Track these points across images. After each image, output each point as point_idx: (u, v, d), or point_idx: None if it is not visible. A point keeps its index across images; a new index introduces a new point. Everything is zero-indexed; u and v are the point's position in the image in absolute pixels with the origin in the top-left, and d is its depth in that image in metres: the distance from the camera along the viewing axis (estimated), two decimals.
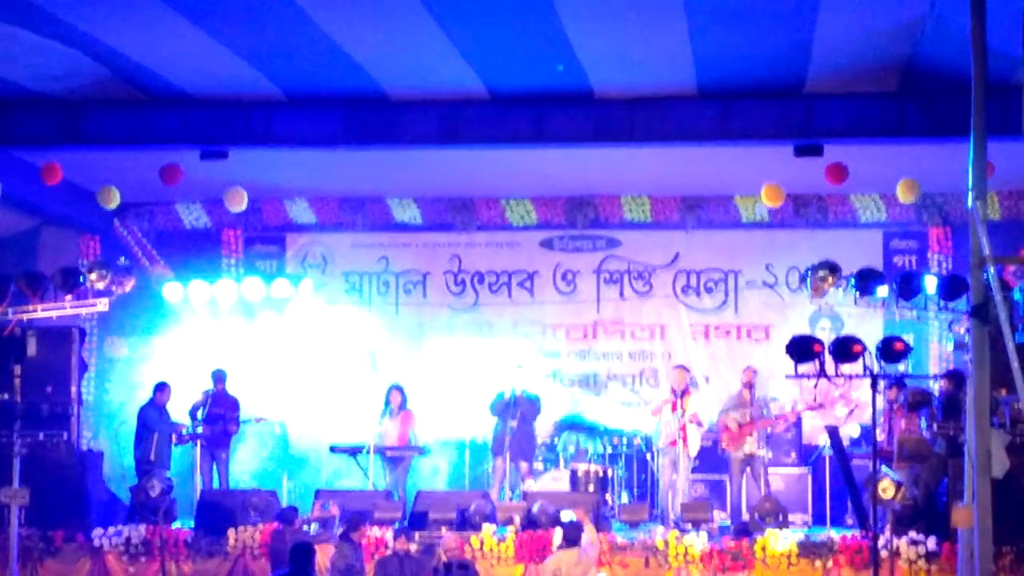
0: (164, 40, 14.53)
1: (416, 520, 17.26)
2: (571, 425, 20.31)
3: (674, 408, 18.69)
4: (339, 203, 21.38)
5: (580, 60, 14.97)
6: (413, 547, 15.64)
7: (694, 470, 18.92)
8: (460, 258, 21.96)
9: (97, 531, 17.32)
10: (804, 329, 19.67)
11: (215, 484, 19.29)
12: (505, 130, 16.51)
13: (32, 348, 16.46)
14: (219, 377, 19.80)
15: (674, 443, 18.59)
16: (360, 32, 14.23)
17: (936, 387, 17.92)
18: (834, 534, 16.80)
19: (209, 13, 13.72)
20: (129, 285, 17.97)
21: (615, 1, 13.21)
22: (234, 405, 19.80)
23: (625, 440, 19.79)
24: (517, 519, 16.90)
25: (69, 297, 17.06)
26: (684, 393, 18.82)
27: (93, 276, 17.20)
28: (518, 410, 18.97)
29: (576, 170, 19.13)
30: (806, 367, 15.70)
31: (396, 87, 16.06)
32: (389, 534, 16.33)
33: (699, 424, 18.75)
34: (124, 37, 14.58)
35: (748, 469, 18.47)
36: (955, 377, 16.70)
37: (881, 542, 15.43)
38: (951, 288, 16.78)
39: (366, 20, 13.78)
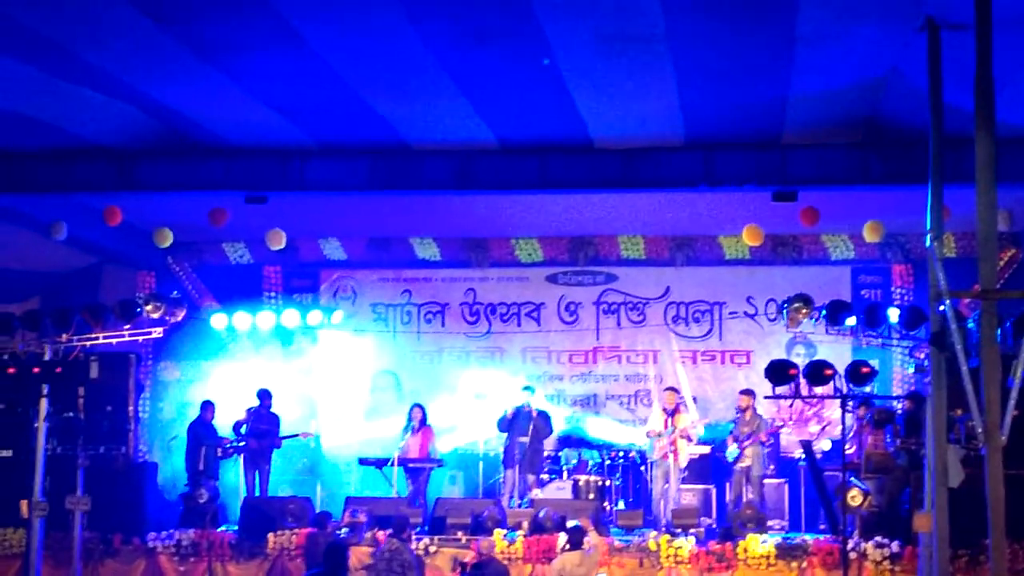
0: (210, 97, 14.54)
1: (435, 524, 17.20)
2: (573, 440, 20.27)
3: (666, 425, 18.64)
4: (367, 242, 21.35)
5: (581, 114, 14.93)
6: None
7: (683, 480, 18.83)
8: (475, 291, 21.93)
9: (151, 535, 17.28)
10: (781, 355, 19.59)
11: (257, 492, 19.20)
12: (514, 177, 16.44)
13: (94, 371, 16.45)
14: (264, 395, 19.78)
15: (666, 456, 18.53)
16: (385, 89, 14.20)
17: (899, 406, 17.82)
18: (808, 538, 16.71)
19: (250, 73, 13.71)
20: (181, 315, 17.93)
21: (613, 63, 13.17)
22: (275, 421, 19.78)
23: (621, 453, 19.71)
24: (525, 524, 16.83)
25: (127, 326, 17.02)
26: (675, 412, 18.77)
27: (149, 307, 17.18)
28: (530, 425, 18.90)
29: (577, 213, 19.10)
30: (783, 389, 15.63)
31: (416, 138, 16.02)
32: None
33: (688, 439, 18.68)
34: (174, 94, 14.59)
35: (745, 482, 18.37)
36: (916, 398, 16.60)
37: (850, 545, 15.31)
38: (912, 318, 16.71)
39: (391, 79, 13.75)
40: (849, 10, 11.58)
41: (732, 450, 18.49)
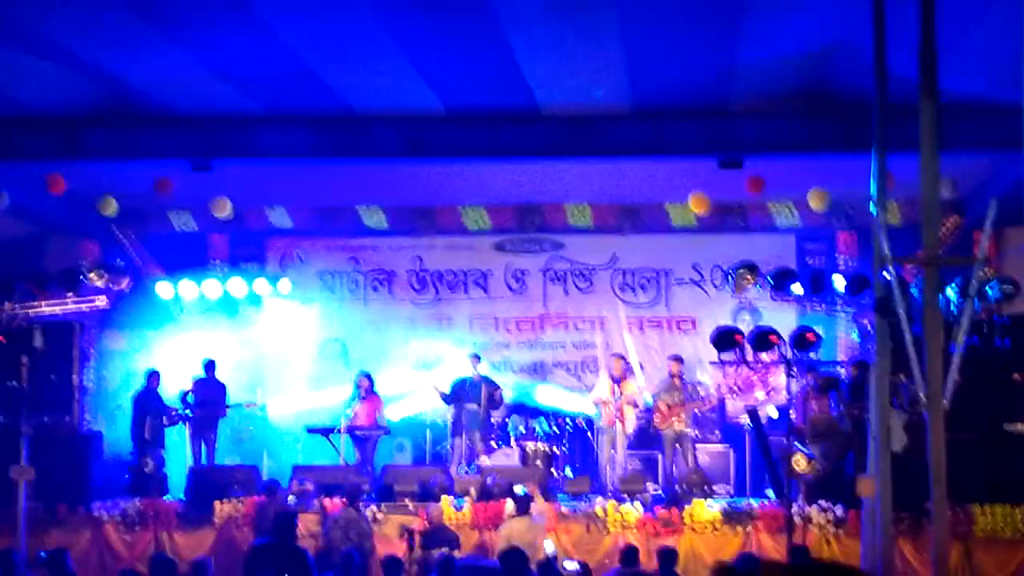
0: (156, 64, 14.45)
1: (383, 492, 17.24)
2: (520, 408, 20.35)
3: (612, 392, 18.75)
4: (314, 210, 21.26)
5: (528, 82, 14.95)
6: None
7: (630, 447, 18.96)
8: (422, 259, 21.93)
9: (97, 504, 17.23)
10: (727, 322, 19.68)
11: (203, 461, 19.18)
12: (461, 145, 16.46)
13: (38, 340, 16.35)
14: (209, 365, 19.74)
15: (612, 423, 18.64)
16: (332, 57, 14.18)
17: (843, 372, 17.99)
18: (753, 503, 16.88)
19: (197, 40, 13.65)
20: (125, 284, 17.88)
21: (561, 30, 13.19)
22: (221, 390, 19.75)
23: (569, 421, 19.80)
24: (473, 491, 16.90)
25: (71, 295, 16.94)
26: (621, 379, 18.89)
27: (93, 275, 17.11)
28: (480, 393, 18.98)
29: (525, 181, 19.10)
30: (728, 355, 15.74)
31: (363, 106, 16.00)
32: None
33: (635, 406, 18.82)
34: (121, 62, 14.49)
35: (678, 445, 18.52)
36: (860, 364, 16.81)
37: (795, 510, 15.48)
38: (857, 285, 16.89)
39: (338, 46, 13.72)
40: None
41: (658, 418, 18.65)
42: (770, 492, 16.86)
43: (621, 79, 14.90)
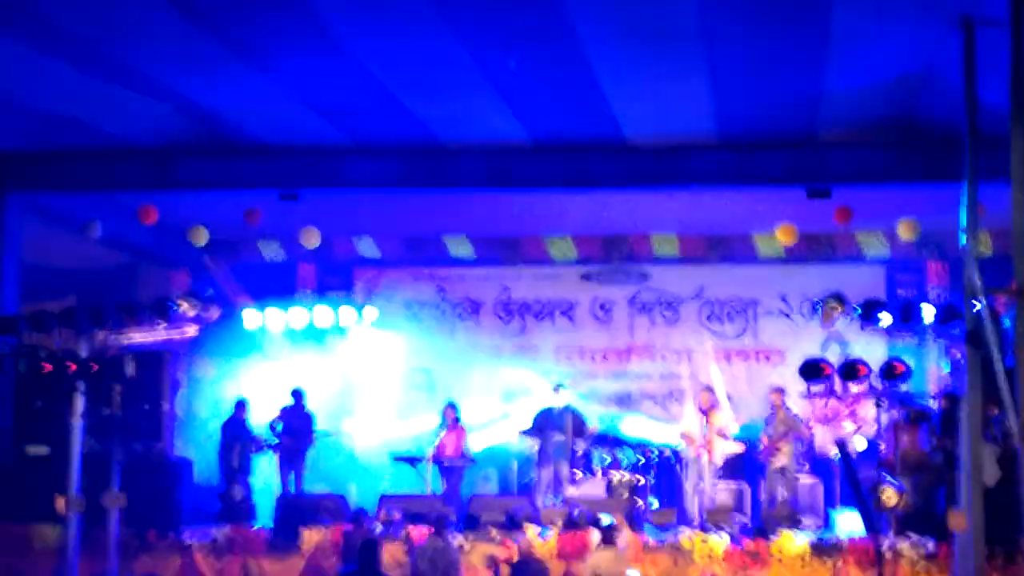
0: (245, 96, 14.63)
1: (469, 521, 17.25)
2: (606, 438, 20.29)
3: (700, 424, 18.66)
4: (401, 240, 21.41)
5: (614, 112, 14.98)
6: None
7: (718, 478, 18.83)
8: (509, 289, 21.98)
9: (186, 531, 17.38)
10: (815, 353, 19.48)
11: (292, 490, 19.30)
12: (547, 175, 16.52)
13: (130, 368, 16.52)
14: (297, 394, 19.88)
15: (700, 455, 18.54)
16: (419, 88, 14.28)
17: (934, 405, 17.78)
18: (843, 536, 16.68)
19: (285, 72, 13.81)
20: (215, 313, 18.01)
21: (646, 60, 13.20)
22: (310, 420, 19.88)
23: (655, 452, 19.70)
24: (559, 521, 16.86)
25: (162, 324, 17.12)
26: (709, 410, 18.78)
27: (184, 305, 17.24)
28: (565, 423, 18.96)
29: (611, 211, 19.07)
30: (817, 386, 15.61)
31: (450, 137, 16.10)
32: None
33: (724, 437, 18.69)
34: (210, 94, 14.69)
35: (780, 479, 18.35)
36: (951, 396, 16.57)
37: (885, 544, 15.29)
38: (947, 316, 16.65)
39: (425, 77, 13.82)
40: (884, 6, 11.58)
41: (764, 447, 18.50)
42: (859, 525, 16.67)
43: (707, 109, 14.88)
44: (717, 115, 15.10)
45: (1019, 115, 10.33)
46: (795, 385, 18.36)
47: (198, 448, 20.24)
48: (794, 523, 16.99)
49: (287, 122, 15.61)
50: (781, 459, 18.39)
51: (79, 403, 15.74)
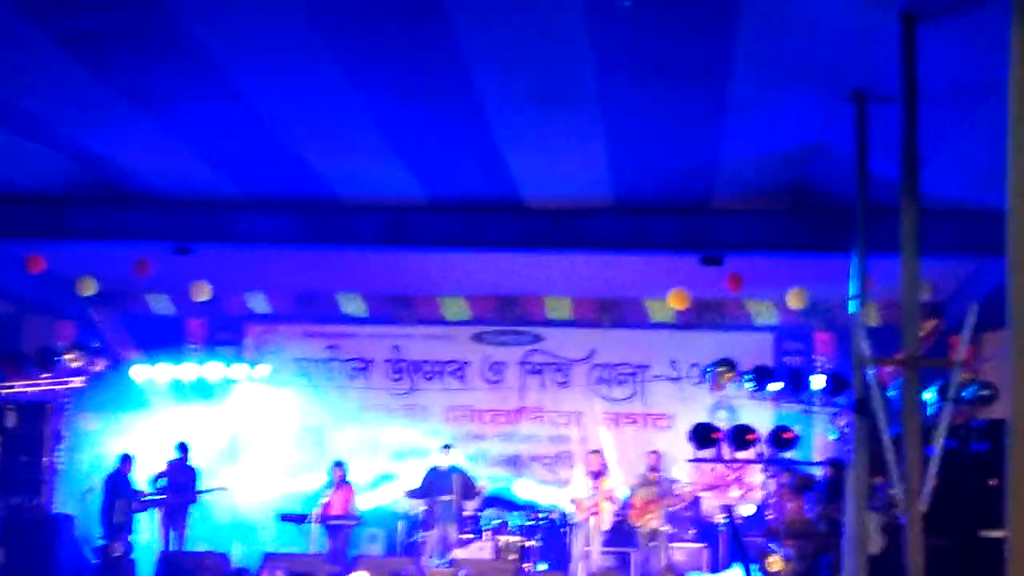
0: (141, 146, 14.44)
1: None
2: (495, 500, 20.21)
3: (590, 488, 18.67)
4: (292, 296, 21.25)
5: (511, 173, 15.00)
6: None
7: (605, 543, 18.82)
8: (399, 348, 21.88)
9: None
10: (704, 419, 19.62)
11: (173, 547, 18.96)
12: (443, 234, 16.47)
13: (11, 420, 16.24)
14: (181, 448, 19.60)
15: (587, 519, 18.53)
16: (317, 143, 14.20)
17: (820, 473, 17.93)
18: None
19: (183, 123, 13.66)
20: (101, 365, 17.78)
21: (544, 122, 13.25)
22: (193, 475, 19.58)
23: (543, 514, 19.67)
24: None
25: (46, 375, 16.83)
26: (599, 474, 18.81)
27: (69, 356, 17.03)
28: (451, 484, 18.84)
29: (505, 272, 19.11)
30: (706, 452, 15.68)
31: (346, 193, 16.02)
32: None
33: (613, 501, 18.72)
34: (105, 142, 14.48)
35: (652, 543, 18.39)
36: (836, 464, 16.74)
37: None
38: (835, 385, 16.88)
39: (323, 132, 13.74)
40: (779, 79, 11.72)
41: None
42: None
43: (604, 173, 14.95)
44: (613, 179, 15.18)
45: (909, 188, 10.46)
46: (682, 450, 18.49)
47: (79, 503, 19.83)
48: None
49: (182, 174, 15.44)
50: (652, 522, 18.41)
51: None
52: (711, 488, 19.81)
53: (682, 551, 19.11)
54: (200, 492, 19.57)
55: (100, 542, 18.40)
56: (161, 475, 19.27)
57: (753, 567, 16.74)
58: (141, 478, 19.21)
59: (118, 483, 18.88)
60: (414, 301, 21.21)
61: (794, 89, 11.95)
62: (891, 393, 13.31)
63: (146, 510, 19.17)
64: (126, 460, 19.14)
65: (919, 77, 10.21)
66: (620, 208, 16.13)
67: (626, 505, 18.88)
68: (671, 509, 18.92)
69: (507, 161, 14.58)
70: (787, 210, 15.88)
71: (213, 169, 15.27)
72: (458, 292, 21.01)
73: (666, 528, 18.54)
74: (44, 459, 17.44)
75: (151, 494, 19.10)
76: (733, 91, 12.01)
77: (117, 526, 18.47)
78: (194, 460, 19.74)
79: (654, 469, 18.77)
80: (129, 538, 18.54)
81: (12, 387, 16.53)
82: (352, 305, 21.22)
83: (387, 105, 12.92)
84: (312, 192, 15.96)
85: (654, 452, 19.10)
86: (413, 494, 19.27)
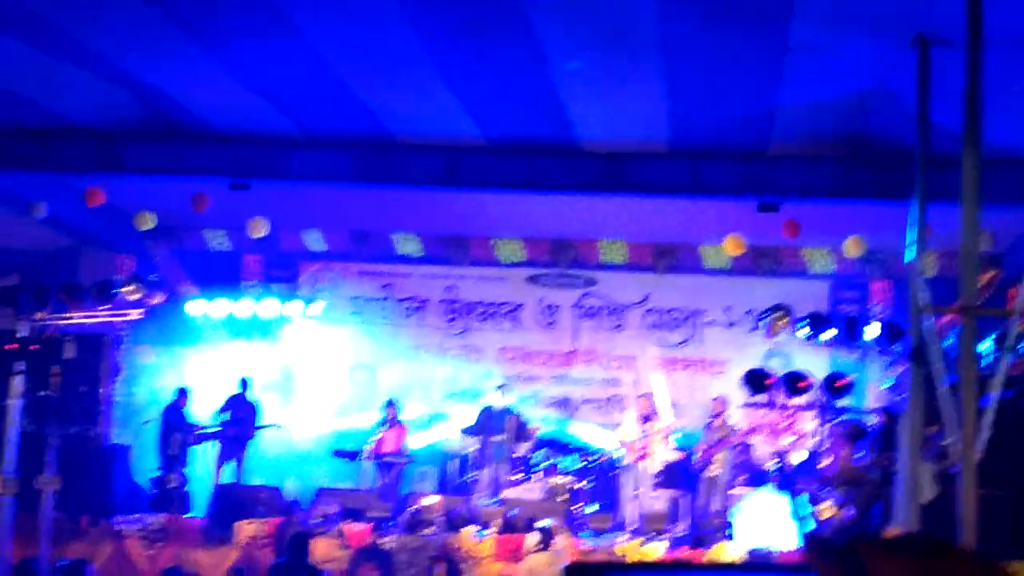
0: (199, 82, 14.48)
1: (405, 520, 17.18)
2: (547, 442, 20.26)
3: (639, 431, 18.67)
4: (348, 235, 21.30)
5: (568, 116, 14.93)
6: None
7: (655, 486, 18.83)
8: (454, 288, 21.91)
9: (119, 518, 17.23)
10: (758, 365, 19.57)
11: (228, 480, 19.16)
12: (499, 176, 16.44)
13: (70, 351, 16.36)
14: (244, 383, 19.76)
15: (638, 461, 18.55)
16: (374, 81, 14.16)
17: (873, 420, 17.86)
18: (776, 548, 16.72)
19: (241, 59, 13.67)
20: (158, 299, 17.88)
21: (603, 64, 13.17)
22: (254, 410, 19.74)
23: (594, 457, 19.71)
24: (496, 523, 16.83)
25: (104, 307, 16.96)
26: (649, 418, 18.80)
27: (127, 289, 17.12)
28: (505, 424, 18.91)
29: (561, 215, 19.06)
30: (759, 397, 15.64)
31: (403, 132, 16.00)
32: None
33: (664, 445, 18.71)
34: (164, 77, 14.52)
35: (711, 488, 18.36)
36: (889, 413, 16.66)
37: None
38: (891, 334, 16.76)
39: (381, 70, 13.70)
40: (841, 22, 11.59)
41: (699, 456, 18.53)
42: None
43: (662, 117, 14.86)
44: (671, 123, 15.08)
45: (971, 136, 10.34)
46: (736, 396, 18.45)
47: (135, 435, 20.06)
48: (726, 533, 17.00)
49: (240, 110, 15.44)
50: (715, 469, 18.41)
51: (16, 383, 15.57)
52: (763, 434, 19.76)
53: (733, 497, 19.09)
54: (258, 427, 19.72)
55: (156, 473, 18.61)
56: (223, 408, 19.45)
57: (804, 510, 16.73)
58: (197, 411, 19.38)
59: (174, 416, 19.06)
60: (469, 242, 21.22)
61: (856, 33, 11.81)
62: (947, 342, 13.22)
63: (201, 443, 19.36)
64: (183, 393, 19.33)
65: (984, 21, 10.06)
66: (677, 153, 16.03)
67: (688, 450, 18.87)
68: (732, 455, 18.87)
69: (564, 103, 14.51)
70: (846, 157, 15.73)
71: (271, 106, 15.28)
72: (513, 234, 20.99)
73: (726, 474, 18.47)
74: (101, 390, 17.59)
75: (208, 427, 19.29)
76: (794, 34, 11.89)
77: (173, 458, 18.67)
78: (253, 395, 19.89)
79: (718, 415, 18.69)
80: (184, 470, 18.74)
81: (71, 318, 16.65)
82: (407, 245, 21.25)
83: (445, 44, 12.88)
84: (368, 130, 15.94)
85: (719, 398, 18.98)
86: (467, 433, 19.36)
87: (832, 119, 14.76)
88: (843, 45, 12.17)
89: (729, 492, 18.47)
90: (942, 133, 11.54)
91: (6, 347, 15.80)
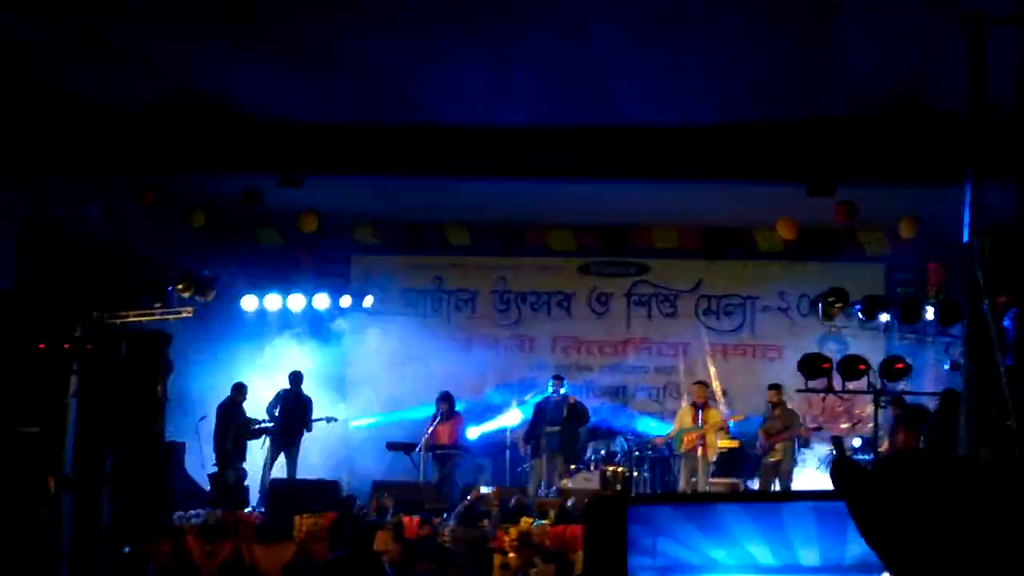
0: (249, 76, 14.51)
1: (460, 511, 17.17)
2: (601, 431, 20.19)
3: (695, 419, 18.57)
4: (399, 227, 21.28)
5: (617, 101, 14.84)
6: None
7: (713, 474, 18.72)
8: (506, 279, 21.86)
9: (178, 513, 17.28)
10: (813, 350, 19.41)
11: (284, 475, 19.21)
12: (548, 164, 16.38)
13: (124, 349, 16.43)
14: (295, 379, 19.77)
15: (694, 450, 18.44)
16: (424, 73, 14.16)
17: (931, 404, 17.68)
18: None
19: (291, 52, 13.68)
20: (212, 296, 17.93)
21: (652, 49, 13.09)
22: (307, 405, 19.77)
23: (650, 445, 19.61)
24: (552, 513, 16.77)
25: (158, 305, 17.03)
26: (704, 405, 18.70)
27: (180, 287, 17.19)
28: (563, 414, 18.86)
29: (611, 202, 18.97)
30: (816, 383, 15.49)
31: (453, 123, 15.95)
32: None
33: (720, 432, 18.60)
34: (215, 73, 14.57)
35: (774, 475, 18.22)
36: (948, 395, 16.47)
37: None
38: (948, 315, 16.58)
39: (428, 60, 13.70)
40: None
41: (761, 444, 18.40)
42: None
43: (712, 101, 14.76)
44: (721, 107, 14.98)
45: None
46: (792, 381, 18.30)
47: (191, 431, 20.13)
48: None
49: (292, 104, 15.47)
50: (776, 455, 18.28)
51: (73, 382, 15.64)
52: (819, 419, 19.61)
53: (794, 483, 18.94)
54: (312, 421, 19.75)
55: (213, 469, 18.67)
56: (275, 404, 19.48)
57: None
58: (252, 407, 19.42)
59: (231, 411, 19.11)
60: (520, 231, 21.15)
61: (910, 8, 11.67)
62: (1006, 324, 13.05)
63: (258, 438, 19.40)
64: (238, 388, 19.37)
65: None
66: (728, 137, 15.91)
67: (744, 438, 18.74)
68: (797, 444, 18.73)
69: (613, 88, 14.42)
70: (899, 138, 15.56)
71: (323, 99, 15.28)
72: (564, 223, 20.92)
73: (790, 461, 18.32)
74: (156, 388, 17.65)
75: (264, 422, 19.34)
76: (846, 12, 11.77)
77: (230, 453, 18.72)
78: (306, 390, 19.92)
79: (777, 402, 18.53)
80: (241, 465, 18.80)
81: (125, 317, 16.73)
82: (458, 235, 21.21)
83: (494, 34, 12.83)
84: (419, 122, 15.92)
85: (775, 385, 18.79)
86: (521, 423, 19.30)
87: (886, 99, 14.61)
88: (897, 20, 12.03)
89: (791, 479, 18.35)
90: (999, 110, 11.37)
91: (62, 346, 15.86)
